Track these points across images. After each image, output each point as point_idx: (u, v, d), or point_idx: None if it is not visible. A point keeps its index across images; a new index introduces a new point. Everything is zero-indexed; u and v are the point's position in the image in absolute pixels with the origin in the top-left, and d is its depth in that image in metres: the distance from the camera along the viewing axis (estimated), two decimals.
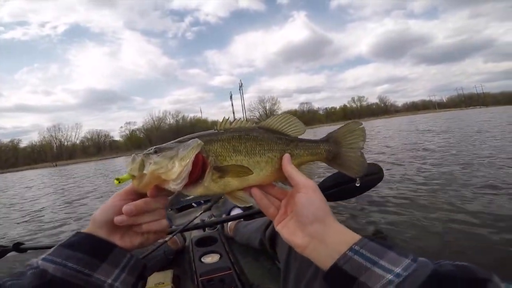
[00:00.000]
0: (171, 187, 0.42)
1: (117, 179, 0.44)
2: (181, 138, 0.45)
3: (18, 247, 1.03)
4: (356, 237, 0.38)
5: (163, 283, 0.91)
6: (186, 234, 1.34)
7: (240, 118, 0.49)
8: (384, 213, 2.38)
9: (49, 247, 0.42)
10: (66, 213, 4.11)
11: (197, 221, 1.12)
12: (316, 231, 0.39)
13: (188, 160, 0.41)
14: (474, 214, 2.16)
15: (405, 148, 6.20)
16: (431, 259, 0.35)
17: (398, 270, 0.32)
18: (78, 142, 70.00)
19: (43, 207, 4.82)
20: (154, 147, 0.43)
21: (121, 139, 71.34)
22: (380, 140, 8.78)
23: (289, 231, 0.43)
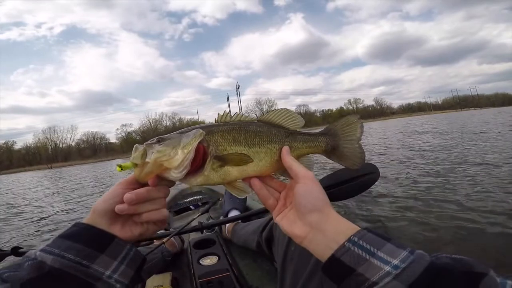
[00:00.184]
0: (172, 176, 0.42)
1: (119, 165, 0.44)
2: (183, 129, 0.46)
3: (16, 251, 1.02)
4: (355, 228, 0.37)
5: (162, 286, 0.91)
6: (184, 236, 1.34)
7: (240, 112, 0.49)
8: (380, 211, 2.41)
9: None
10: (65, 215, 4.08)
11: (194, 223, 1.12)
12: (315, 220, 0.39)
13: (190, 148, 0.42)
14: (472, 210, 2.20)
15: (401, 148, 6.25)
16: (428, 253, 0.35)
17: (395, 261, 0.32)
18: (73, 144, 69.34)
19: (41, 211, 4.77)
20: (157, 137, 0.44)
21: (117, 141, 70.89)
22: (379, 141, 8.83)
23: (288, 222, 0.43)
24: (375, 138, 10.61)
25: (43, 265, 0.35)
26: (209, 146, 0.44)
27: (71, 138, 69.26)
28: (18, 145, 68.37)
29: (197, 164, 0.43)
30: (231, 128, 0.46)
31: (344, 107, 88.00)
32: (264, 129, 0.48)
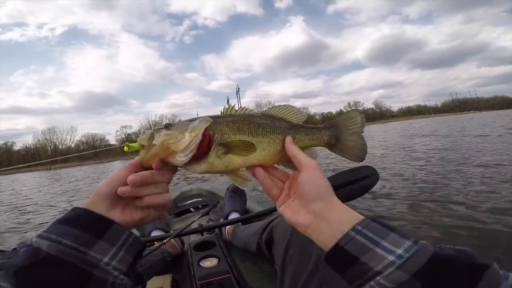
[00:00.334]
0: (178, 160, 0.43)
1: (127, 145, 0.44)
2: (190, 118, 0.47)
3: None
4: (359, 216, 0.37)
5: (162, 287, 0.92)
6: (185, 239, 1.34)
7: (245, 106, 0.51)
8: (381, 212, 2.41)
9: None
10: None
11: (195, 225, 1.13)
12: (319, 208, 0.39)
13: (197, 132, 0.43)
14: (471, 208, 2.21)
15: (401, 150, 6.26)
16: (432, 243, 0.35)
17: (399, 251, 0.32)
18: (73, 145, 69.23)
19: (41, 213, 4.76)
20: (165, 123, 0.45)
21: (116, 143, 70.76)
22: (379, 144, 8.85)
23: (292, 211, 0.43)
24: (375, 140, 10.62)
25: (38, 251, 0.34)
26: (215, 134, 0.46)
27: (70, 139, 69.38)
28: (17, 146, 68.37)
29: (202, 150, 0.44)
30: (236, 119, 0.48)
31: (344, 110, 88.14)
32: (267, 121, 0.50)
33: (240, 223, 1.25)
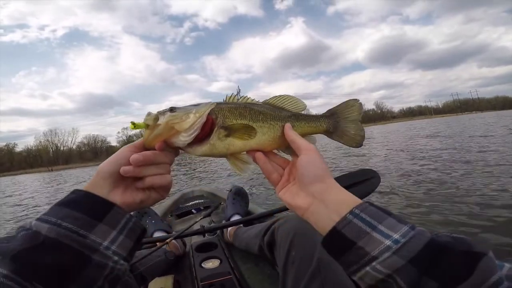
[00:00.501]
0: (181, 140, 0.44)
1: (133, 123, 0.45)
2: (193, 103, 0.49)
3: None
4: (357, 200, 0.37)
5: None
6: (186, 240, 1.35)
7: (247, 95, 0.52)
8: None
9: None
10: None
11: (196, 226, 1.13)
12: (317, 190, 0.40)
13: (202, 113, 0.44)
14: (470, 207, 2.21)
15: (404, 150, 6.26)
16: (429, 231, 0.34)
17: (396, 236, 0.31)
18: (74, 147, 69.60)
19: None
20: (170, 107, 0.46)
21: (118, 144, 71.00)
22: (381, 145, 8.84)
23: (291, 195, 0.44)
24: (376, 142, 10.61)
25: (37, 235, 0.33)
26: (217, 117, 0.47)
27: (72, 141, 69.68)
28: (19, 147, 68.72)
29: (205, 133, 0.45)
30: (238, 105, 0.49)
31: None
32: (268, 108, 0.51)
33: (242, 225, 1.26)
